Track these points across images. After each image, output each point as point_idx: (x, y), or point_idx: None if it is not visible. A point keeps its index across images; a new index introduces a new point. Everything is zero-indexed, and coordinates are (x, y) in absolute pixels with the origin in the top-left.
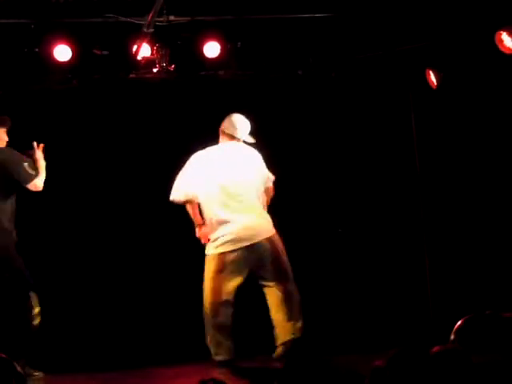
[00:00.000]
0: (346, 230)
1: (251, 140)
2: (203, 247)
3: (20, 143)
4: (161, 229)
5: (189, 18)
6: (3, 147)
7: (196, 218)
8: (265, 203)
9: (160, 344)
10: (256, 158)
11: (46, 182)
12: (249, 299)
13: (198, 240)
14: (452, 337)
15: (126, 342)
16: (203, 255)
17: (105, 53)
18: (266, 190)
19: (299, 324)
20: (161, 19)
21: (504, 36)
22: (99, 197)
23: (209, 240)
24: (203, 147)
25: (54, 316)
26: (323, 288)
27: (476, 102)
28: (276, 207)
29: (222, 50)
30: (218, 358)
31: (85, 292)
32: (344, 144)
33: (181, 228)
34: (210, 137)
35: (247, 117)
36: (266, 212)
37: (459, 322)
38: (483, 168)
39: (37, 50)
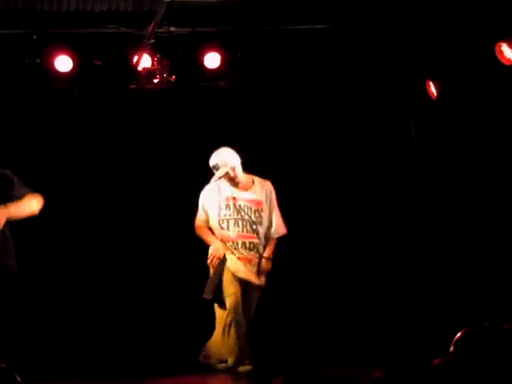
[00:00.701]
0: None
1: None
2: (203, 258)
3: (20, 153)
4: (160, 239)
5: (189, 29)
6: None
7: None
8: None
9: (158, 354)
10: None
11: (46, 193)
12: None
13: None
14: (451, 348)
15: (124, 352)
16: (202, 266)
17: (98, 63)
18: None
19: None
20: (161, 30)
21: (504, 47)
22: (99, 206)
23: None
24: (203, 157)
25: (54, 325)
26: (322, 297)
27: (476, 112)
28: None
29: (222, 60)
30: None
31: (84, 302)
32: (344, 153)
33: (182, 238)
34: (210, 147)
35: (247, 127)
36: None
37: (459, 334)
38: (483, 177)
39: (38, 60)
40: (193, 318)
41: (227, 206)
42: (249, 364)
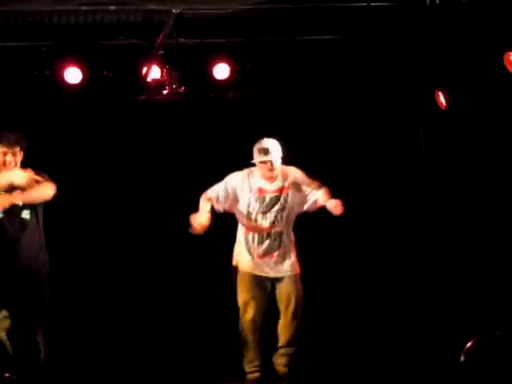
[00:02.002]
0: (354, 250)
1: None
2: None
3: (29, 164)
4: (168, 247)
5: (198, 41)
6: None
7: None
8: None
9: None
10: None
11: (55, 202)
12: None
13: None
14: (462, 358)
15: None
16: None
17: (108, 74)
18: None
19: None
20: (171, 42)
21: None
22: (108, 216)
23: None
24: (213, 167)
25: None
26: (327, 305)
27: (485, 122)
28: None
29: (231, 71)
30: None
31: (97, 314)
32: (354, 162)
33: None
34: (219, 158)
35: (257, 138)
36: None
37: (469, 343)
38: (492, 185)
39: (47, 72)
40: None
41: (257, 199)
42: (257, 371)
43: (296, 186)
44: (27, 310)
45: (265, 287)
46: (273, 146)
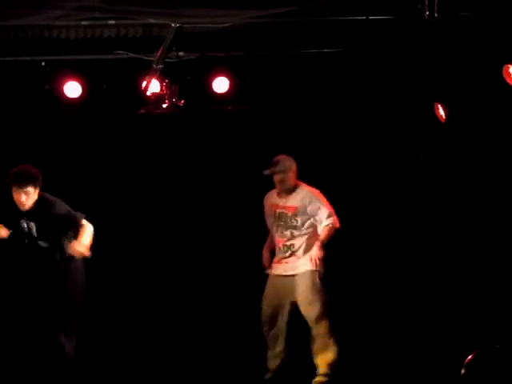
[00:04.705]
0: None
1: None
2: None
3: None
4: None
5: (198, 54)
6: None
7: None
8: None
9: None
10: None
11: None
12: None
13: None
14: (462, 371)
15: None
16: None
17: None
18: None
19: None
20: (170, 55)
21: None
22: (108, 229)
23: None
24: (212, 181)
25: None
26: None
27: (484, 135)
28: None
29: (230, 85)
30: None
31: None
32: (354, 175)
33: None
34: (219, 171)
35: (255, 151)
36: None
37: (469, 357)
38: (491, 198)
39: (47, 86)
40: None
41: (273, 214)
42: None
43: (306, 209)
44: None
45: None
46: (282, 160)
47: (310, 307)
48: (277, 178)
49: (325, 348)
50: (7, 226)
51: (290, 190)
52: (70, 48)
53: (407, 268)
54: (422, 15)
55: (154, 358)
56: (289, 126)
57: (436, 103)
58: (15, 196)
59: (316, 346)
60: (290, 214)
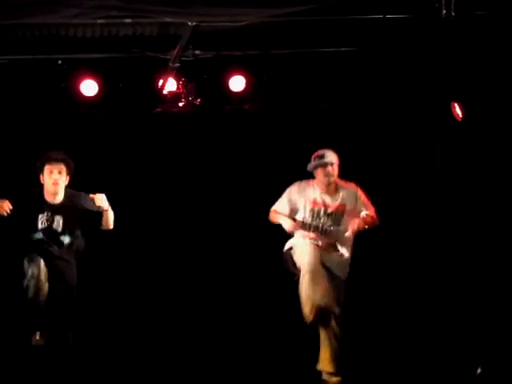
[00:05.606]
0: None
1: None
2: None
3: None
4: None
5: (214, 53)
6: None
7: None
8: None
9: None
10: None
11: None
12: None
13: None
14: (479, 370)
15: None
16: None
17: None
18: None
19: None
20: (186, 54)
21: None
22: (123, 227)
23: None
24: (229, 179)
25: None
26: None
27: (501, 133)
28: None
29: (247, 83)
30: None
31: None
32: (370, 174)
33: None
34: (235, 170)
35: (273, 150)
36: None
37: (486, 356)
38: (509, 198)
39: (63, 85)
40: None
41: (311, 211)
42: None
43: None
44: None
45: None
46: (329, 152)
47: None
48: (327, 170)
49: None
50: (23, 218)
51: (332, 188)
52: (87, 46)
53: (423, 268)
54: (439, 14)
55: (154, 357)
56: (305, 125)
57: (453, 102)
58: (47, 177)
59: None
60: (334, 212)
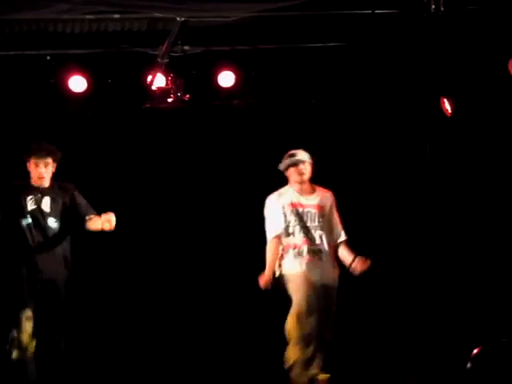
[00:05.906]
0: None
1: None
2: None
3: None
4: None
5: (203, 48)
6: None
7: None
8: None
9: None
10: None
11: None
12: None
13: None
14: (469, 364)
15: None
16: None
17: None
18: None
19: None
20: (175, 50)
21: None
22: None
23: None
24: (218, 175)
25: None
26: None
27: (490, 128)
28: None
29: (236, 79)
30: None
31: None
32: (359, 170)
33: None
34: (224, 166)
35: (261, 145)
36: None
37: (476, 350)
38: (497, 191)
39: (52, 81)
40: None
41: (291, 212)
42: None
43: (330, 212)
44: (48, 316)
45: None
46: (301, 151)
47: None
48: (299, 168)
49: None
50: (9, 202)
51: (308, 189)
52: (75, 42)
53: (413, 264)
54: (428, 9)
55: (149, 361)
56: (294, 121)
57: (442, 97)
58: (34, 169)
59: None
60: (317, 212)
